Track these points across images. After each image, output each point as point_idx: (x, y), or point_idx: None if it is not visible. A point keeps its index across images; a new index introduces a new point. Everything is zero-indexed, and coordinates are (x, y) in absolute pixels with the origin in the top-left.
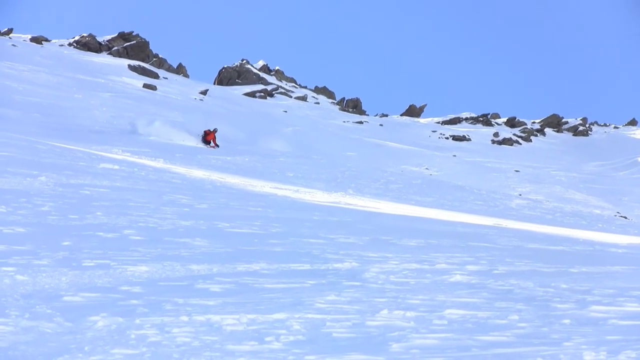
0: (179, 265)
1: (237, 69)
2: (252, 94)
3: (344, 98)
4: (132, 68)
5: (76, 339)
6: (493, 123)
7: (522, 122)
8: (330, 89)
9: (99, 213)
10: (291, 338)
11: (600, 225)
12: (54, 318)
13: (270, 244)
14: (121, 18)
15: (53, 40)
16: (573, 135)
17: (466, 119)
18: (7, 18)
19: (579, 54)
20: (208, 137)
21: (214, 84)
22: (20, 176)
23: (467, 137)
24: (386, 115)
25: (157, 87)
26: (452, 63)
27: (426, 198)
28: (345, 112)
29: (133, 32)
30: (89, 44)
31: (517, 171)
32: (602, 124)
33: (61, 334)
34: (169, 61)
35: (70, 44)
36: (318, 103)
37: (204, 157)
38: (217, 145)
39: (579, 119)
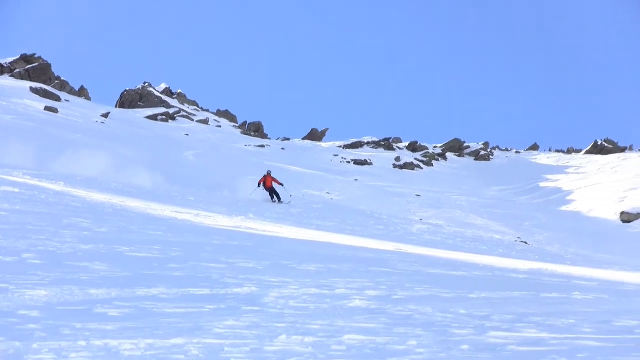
0: (77, 290)
1: (139, 91)
2: (154, 117)
3: (245, 122)
4: (33, 90)
5: None
6: (395, 147)
7: (424, 146)
8: (232, 112)
9: None
10: None
11: (500, 250)
12: None
13: (170, 269)
14: (23, 40)
15: None
16: (475, 159)
17: (368, 143)
18: None
19: (479, 79)
20: (268, 183)
21: (116, 106)
22: None
23: (368, 161)
24: (288, 139)
25: (59, 109)
26: (354, 87)
27: (327, 222)
28: (247, 136)
29: (35, 54)
30: None
31: (418, 196)
32: (503, 149)
33: None
34: (71, 84)
35: None
36: (220, 126)
37: (105, 180)
38: (282, 184)
39: (480, 143)
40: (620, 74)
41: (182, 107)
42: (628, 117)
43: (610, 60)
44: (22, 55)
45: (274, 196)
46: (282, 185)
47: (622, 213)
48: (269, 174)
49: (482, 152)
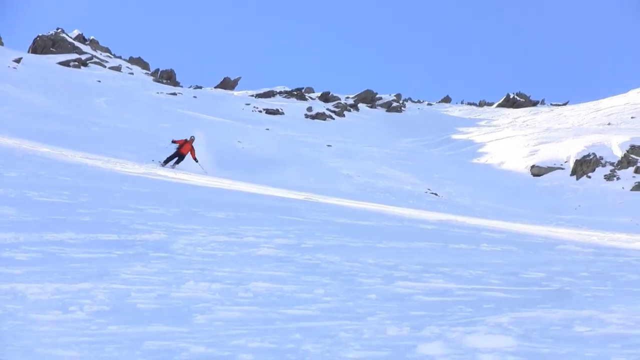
0: None
1: (52, 37)
2: (66, 63)
3: (158, 69)
4: None
5: None
6: (307, 97)
7: (336, 97)
8: (145, 59)
9: None
10: (95, 308)
11: (410, 201)
12: None
13: (79, 214)
14: None
15: None
16: (387, 111)
17: (280, 92)
18: None
19: (391, 32)
20: (183, 149)
21: (29, 52)
22: None
23: (280, 110)
24: (200, 87)
25: None
26: (267, 36)
27: (238, 170)
28: (159, 84)
29: None
30: None
31: (329, 146)
32: (415, 101)
33: None
34: None
35: None
36: (132, 74)
37: (16, 123)
38: (196, 160)
39: (392, 95)
40: (534, 29)
41: (94, 53)
42: (541, 71)
43: (525, 15)
44: None
45: (175, 163)
46: (196, 162)
47: (533, 167)
48: (191, 140)
49: (394, 104)
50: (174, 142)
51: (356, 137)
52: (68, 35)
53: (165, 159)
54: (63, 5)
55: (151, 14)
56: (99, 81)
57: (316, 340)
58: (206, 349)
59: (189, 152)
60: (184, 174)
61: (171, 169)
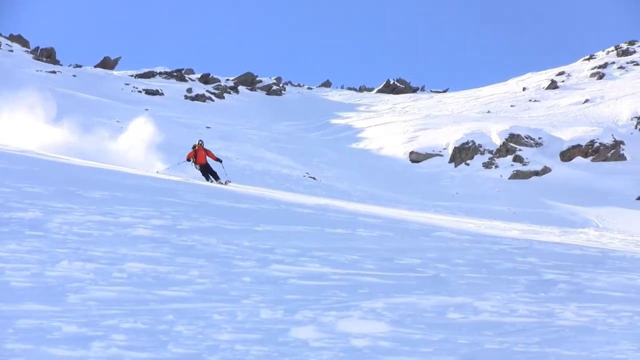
0: None
1: None
2: None
3: (38, 47)
4: None
5: None
6: (187, 79)
7: (216, 78)
8: (25, 37)
9: None
10: None
11: (288, 185)
12: None
13: None
14: None
15: None
16: (266, 94)
17: (160, 73)
18: None
19: (272, 14)
20: (200, 159)
21: None
22: None
23: (160, 91)
24: (80, 66)
25: None
26: (147, 16)
27: (114, 152)
28: (39, 62)
29: None
30: None
31: (208, 127)
32: (295, 84)
33: None
34: None
35: None
36: (12, 51)
37: None
38: (220, 160)
39: (273, 78)
40: (415, 15)
41: None
42: (421, 58)
43: (406, 1)
44: None
45: (210, 176)
46: (220, 162)
47: (411, 153)
48: (200, 145)
49: (274, 87)
50: (188, 159)
51: (236, 119)
52: None
53: (208, 179)
54: None
55: None
56: None
57: (189, 321)
58: (78, 329)
59: (207, 158)
60: (64, 152)
61: (213, 183)
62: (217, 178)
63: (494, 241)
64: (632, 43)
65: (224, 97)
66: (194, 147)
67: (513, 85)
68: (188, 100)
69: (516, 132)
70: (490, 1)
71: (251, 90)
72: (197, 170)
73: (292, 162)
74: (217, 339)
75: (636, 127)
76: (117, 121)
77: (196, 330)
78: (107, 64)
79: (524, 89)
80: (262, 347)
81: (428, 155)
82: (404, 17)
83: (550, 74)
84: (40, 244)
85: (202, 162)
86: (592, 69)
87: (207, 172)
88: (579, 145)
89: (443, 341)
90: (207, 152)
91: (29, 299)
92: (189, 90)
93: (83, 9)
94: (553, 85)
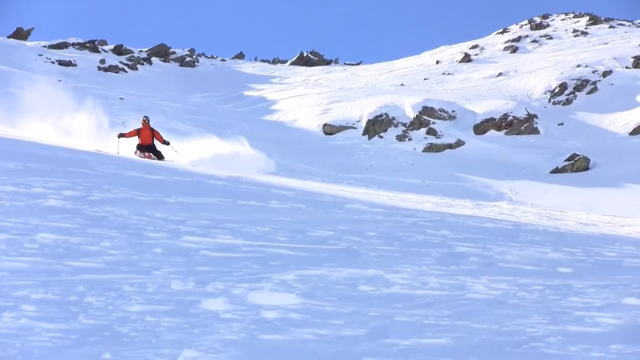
0: None
1: None
2: None
3: None
4: None
5: None
6: (100, 50)
7: (130, 50)
8: None
9: None
10: None
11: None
12: None
13: None
14: None
15: None
16: (180, 65)
17: (73, 44)
18: None
19: None
20: (144, 139)
21: None
22: None
23: (73, 62)
24: None
25: None
26: None
27: (26, 124)
28: None
29: None
30: None
31: (121, 99)
32: (209, 56)
33: None
34: None
35: None
36: None
37: None
38: (167, 142)
39: (186, 49)
40: None
41: None
42: (334, 30)
43: None
44: None
45: (158, 157)
46: (168, 144)
47: (325, 125)
48: (145, 123)
49: (188, 59)
50: (122, 136)
51: (149, 90)
52: None
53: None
54: None
55: None
56: None
57: (100, 292)
58: None
59: (154, 139)
60: None
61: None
62: (162, 158)
63: (407, 214)
64: (545, 17)
65: (137, 69)
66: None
67: (427, 58)
68: (101, 71)
69: (430, 105)
70: None
71: (164, 61)
72: (136, 155)
73: (205, 133)
74: (127, 310)
75: (549, 101)
76: (29, 92)
77: (107, 302)
78: (21, 34)
79: (437, 62)
80: (172, 319)
81: (341, 128)
82: None
83: (464, 47)
84: None
85: (147, 142)
86: (505, 42)
87: (153, 153)
88: (492, 119)
89: (354, 313)
90: (154, 132)
91: None
92: (102, 61)
93: None
94: (467, 58)
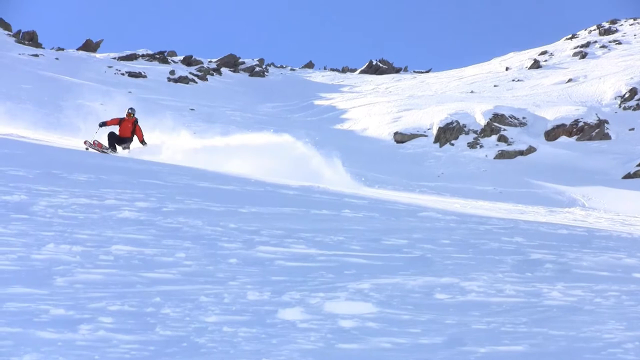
0: None
1: None
2: None
3: (20, 30)
4: None
5: None
6: (169, 61)
7: (199, 60)
8: (6, 21)
9: None
10: None
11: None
12: None
13: None
14: None
15: None
16: (249, 75)
17: (142, 55)
18: None
19: None
20: (123, 131)
21: None
22: None
23: (143, 74)
24: (62, 49)
25: None
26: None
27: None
28: (21, 45)
29: None
30: None
31: (192, 110)
32: (278, 66)
33: None
34: None
35: None
36: None
37: None
38: (145, 143)
39: (255, 59)
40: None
41: None
42: (403, 38)
43: None
44: None
45: (115, 146)
46: (144, 145)
47: (396, 133)
48: (130, 114)
49: (257, 69)
50: (104, 124)
51: (219, 101)
52: None
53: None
54: None
55: None
56: None
57: (176, 304)
58: (66, 312)
59: (135, 134)
60: (44, 134)
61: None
62: (118, 146)
63: (480, 221)
64: (614, 22)
65: (207, 79)
66: (123, 117)
67: (496, 64)
68: (171, 82)
69: (500, 112)
70: None
71: (234, 72)
72: (85, 145)
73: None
74: (204, 321)
75: (620, 106)
76: (101, 104)
77: (183, 313)
78: (90, 46)
79: (507, 68)
80: (249, 329)
81: (412, 136)
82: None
83: (533, 53)
84: (26, 227)
85: (125, 135)
86: (574, 48)
87: (121, 143)
88: (563, 125)
89: (431, 322)
90: (137, 129)
91: (16, 282)
92: (172, 72)
93: None
94: (536, 64)
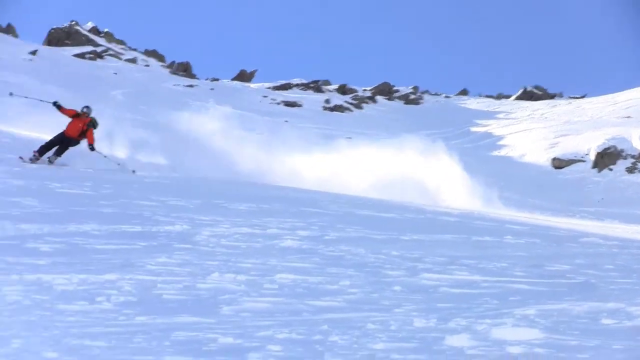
0: (9, 224)
1: (66, 30)
2: (81, 55)
3: (174, 61)
4: None
5: None
6: (324, 90)
7: (353, 89)
8: (160, 52)
9: None
10: (122, 299)
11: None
12: None
13: (101, 205)
14: None
15: None
16: (404, 103)
17: (297, 85)
18: None
19: (405, 24)
20: (71, 130)
21: (43, 44)
22: None
23: (298, 103)
24: (217, 80)
25: None
26: (283, 28)
27: (260, 163)
28: (175, 76)
29: None
30: None
31: (349, 138)
32: (433, 93)
33: None
34: None
35: None
36: (148, 66)
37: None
38: (93, 148)
39: (410, 87)
40: (549, 21)
41: (109, 46)
42: (558, 64)
43: (539, 8)
44: None
45: (57, 152)
46: (92, 149)
47: (554, 159)
48: (85, 113)
49: (412, 96)
50: (59, 108)
51: (375, 129)
52: (82, 28)
53: (39, 147)
54: None
55: (164, 6)
56: (115, 73)
57: (343, 331)
58: (234, 340)
59: (83, 136)
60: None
61: (46, 165)
62: (59, 155)
63: None
64: None
65: (362, 107)
66: (76, 112)
67: None
68: (327, 111)
69: None
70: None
71: (389, 99)
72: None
73: None
74: (372, 348)
75: None
76: (258, 133)
77: (351, 340)
78: (244, 76)
79: None
80: (418, 356)
81: (571, 161)
82: (534, 23)
83: None
84: (189, 257)
85: (73, 134)
86: None
87: (63, 147)
88: None
89: (599, 347)
90: (88, 131)
91: (183, 312)
92: (327, 101)
93: (216, 24)
94: None
